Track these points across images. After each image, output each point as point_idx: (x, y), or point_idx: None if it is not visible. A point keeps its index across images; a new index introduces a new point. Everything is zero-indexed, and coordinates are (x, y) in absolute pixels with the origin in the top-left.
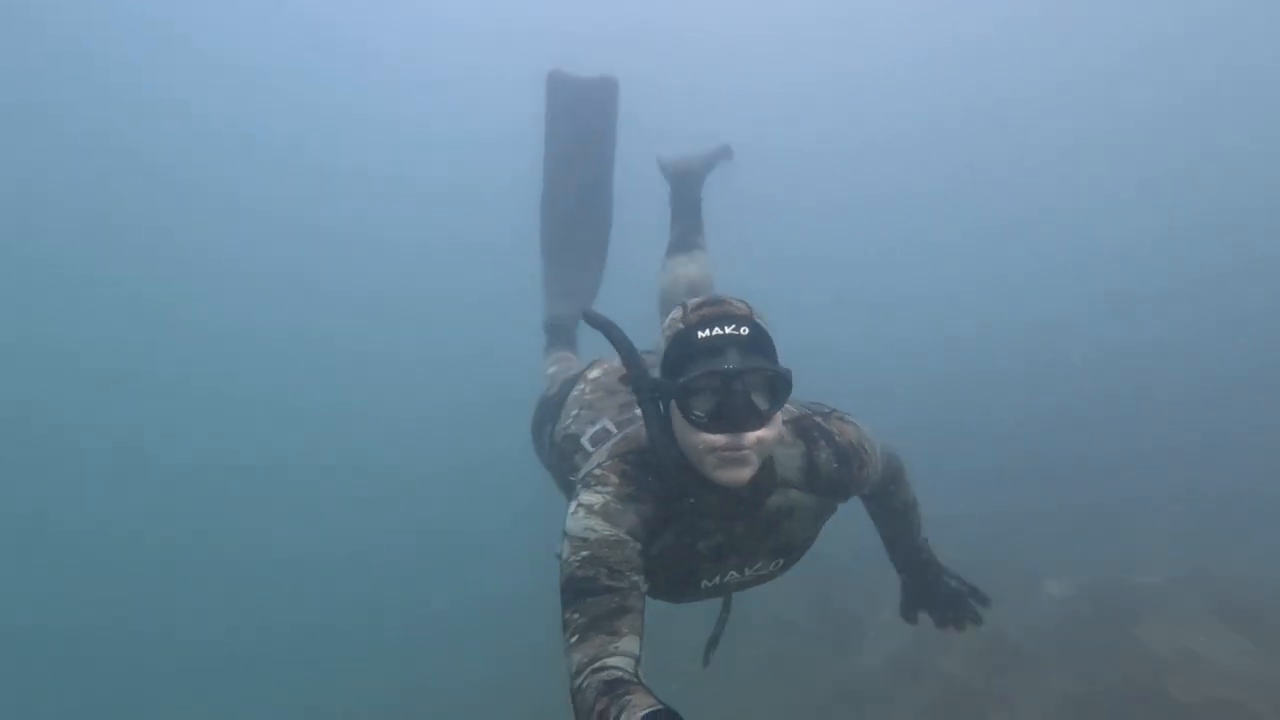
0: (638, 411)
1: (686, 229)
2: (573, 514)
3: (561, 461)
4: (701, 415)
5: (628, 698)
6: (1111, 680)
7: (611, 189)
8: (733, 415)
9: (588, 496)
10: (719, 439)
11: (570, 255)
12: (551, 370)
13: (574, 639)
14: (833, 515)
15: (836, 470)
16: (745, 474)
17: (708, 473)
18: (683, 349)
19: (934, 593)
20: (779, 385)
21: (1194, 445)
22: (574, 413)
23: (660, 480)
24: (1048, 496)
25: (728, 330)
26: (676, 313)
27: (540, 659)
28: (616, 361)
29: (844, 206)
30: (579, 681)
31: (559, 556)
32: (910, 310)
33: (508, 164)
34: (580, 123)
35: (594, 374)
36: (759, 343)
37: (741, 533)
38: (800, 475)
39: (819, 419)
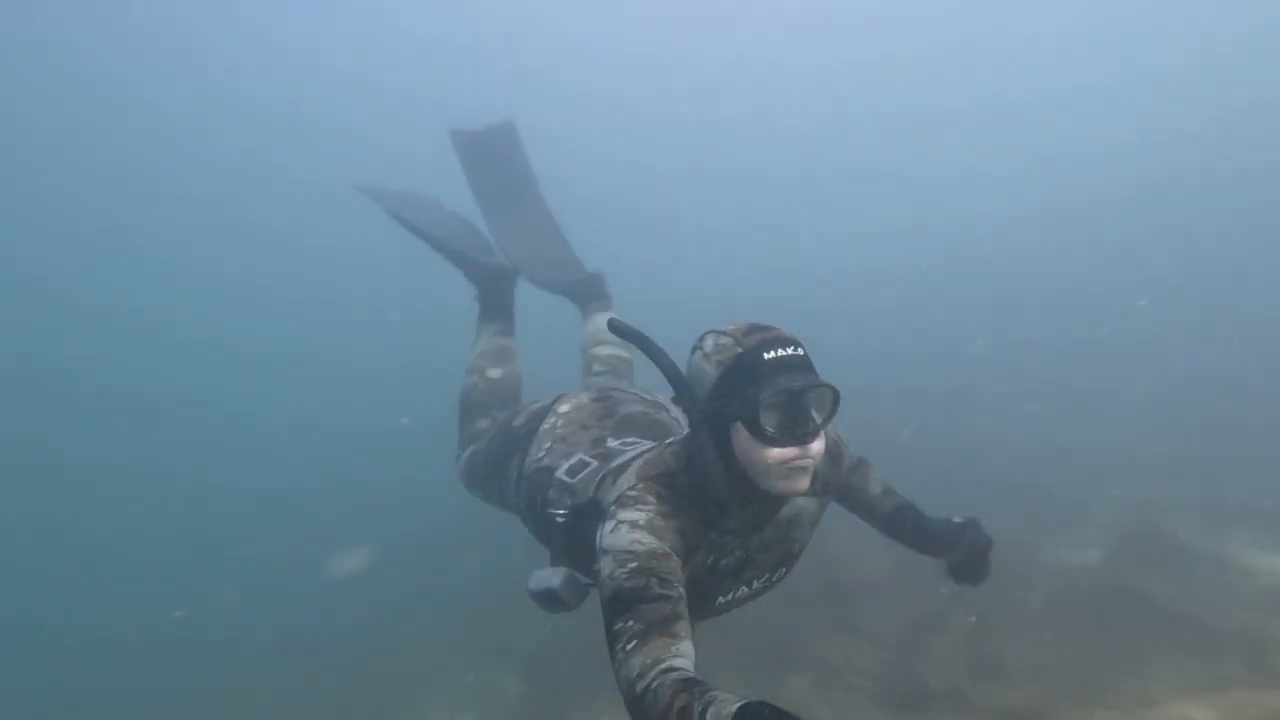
0: (611, 444)
1: (591, 296)
2: (613, 531)
3: (533, 493)
4: (774, 431)
5: (712, 693)
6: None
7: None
8: (803, 428)
9: (629, 514)
10: (790, 451)
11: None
12: (481, 348)
13: (631, 645)
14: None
15: (830, 470)
16: (806, 483)
17: (770, 485)
18: (749, 371)
19: (973, 550)
20: (834, 399)
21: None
22: (546, 445)
23: (692, 501)
24: None
25: (789, 351)
26: (723, 340)
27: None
28: (585, 397)
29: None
30: (646, 683)
31: (537, 591)
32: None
33: None
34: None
35: (564, 408)
36: (811, 361)
37: (757, 546)
38: None
39: None
